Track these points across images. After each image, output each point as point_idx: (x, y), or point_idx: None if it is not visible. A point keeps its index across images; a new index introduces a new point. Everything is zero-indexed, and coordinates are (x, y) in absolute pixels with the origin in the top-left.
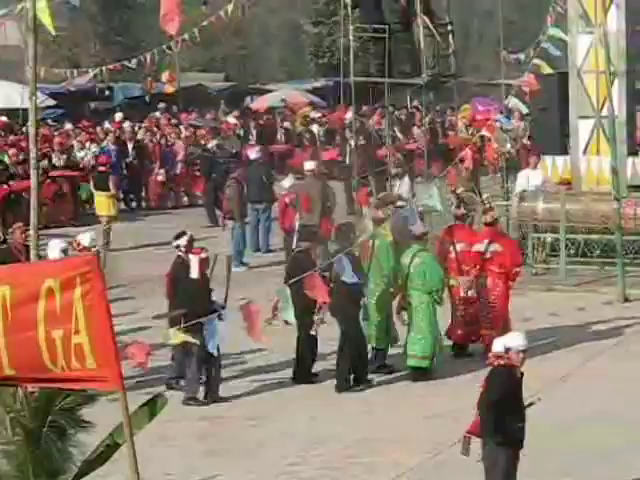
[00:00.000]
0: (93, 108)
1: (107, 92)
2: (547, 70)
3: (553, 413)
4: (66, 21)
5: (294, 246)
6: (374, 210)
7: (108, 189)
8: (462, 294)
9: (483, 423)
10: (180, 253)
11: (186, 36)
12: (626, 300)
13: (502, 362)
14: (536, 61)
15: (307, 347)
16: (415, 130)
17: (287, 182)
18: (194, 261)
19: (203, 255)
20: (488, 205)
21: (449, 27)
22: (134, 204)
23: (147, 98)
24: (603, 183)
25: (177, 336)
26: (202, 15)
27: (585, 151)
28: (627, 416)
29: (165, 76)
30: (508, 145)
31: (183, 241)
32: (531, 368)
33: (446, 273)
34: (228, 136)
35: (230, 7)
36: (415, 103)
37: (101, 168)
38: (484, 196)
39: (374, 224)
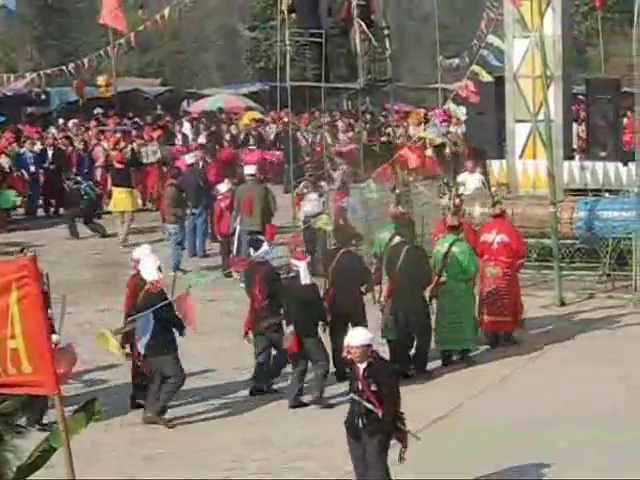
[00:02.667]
0: (29, 113)
1: (43, 97)
2: (486, 78)
3: (490, 416)
4: (2, 25)
5: (233, 250)
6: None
7: (127, 185)
8: None
9: None
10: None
11: (122, 41)
12: (562, 304)
13: (347, 356)
14: (474, 68)
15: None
16: (340, 135)
17: (224, 187)
18: (302, 266)
19: (308, 259)
20: (496, 198)
21: (385, 31)
22: (52, 210)
23: (80, 102)
24: (540, 187)
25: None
26: (139, 19)
27: (522, 155)
28: (564, 419)
29: (101, 80)
30: (447, 149)
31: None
32: (469, 372)
33: None
34: (148, 142)
35: (167, 11)
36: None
37: (118, 165)
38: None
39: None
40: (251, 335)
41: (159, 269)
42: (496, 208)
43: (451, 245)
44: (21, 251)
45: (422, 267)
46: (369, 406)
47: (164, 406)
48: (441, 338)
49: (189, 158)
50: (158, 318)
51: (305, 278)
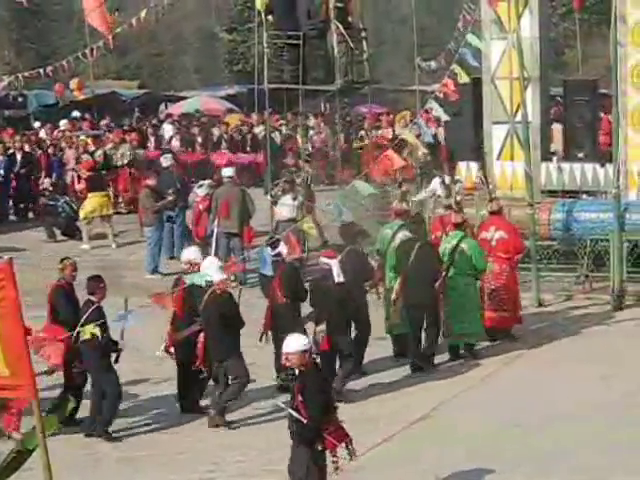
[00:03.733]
0: (7, 116)
1: (20, 100)
2: (465, 78)
3: (469, 418)
4: None
5: (211, 253)
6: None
7: (101, 189)
8: None
9: None
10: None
11: (100, 43)
12: (540, 305)
13: (286, 363)
14: (454, 67)
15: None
16: (313, 137)
17: (202, 189)
18: (334, 264)
19: (339, 257)
20: (493, 195)
21: (363, 33)
22: (28, 214)
23: (60, 103)
24: (517, 188)
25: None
26: (115, 22)
27: (499, 156)
28: (545, 419)
29: (73, 83)
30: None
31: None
32: (446, 374)
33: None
34: (118, 144)
35: (143, 13)
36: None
37: (87, 173)
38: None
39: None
40: (269, 335)
41: (221, 269)
42: (493, 204)
43: (459, 241)
44: (61, 261)
45: (434, 263)
46: (294, 414)
47: (225, 407)
48: (449, 332)
49: (164, 161)
50: (223, 320)
51: (339, 276)
